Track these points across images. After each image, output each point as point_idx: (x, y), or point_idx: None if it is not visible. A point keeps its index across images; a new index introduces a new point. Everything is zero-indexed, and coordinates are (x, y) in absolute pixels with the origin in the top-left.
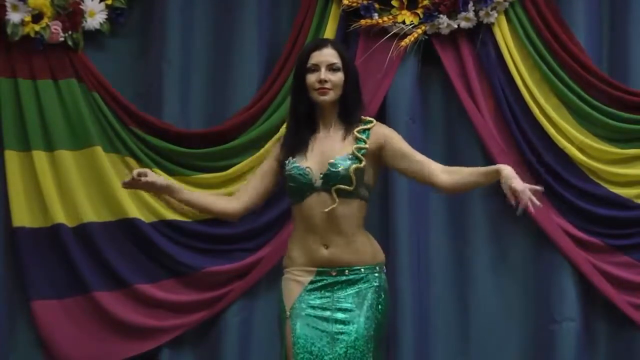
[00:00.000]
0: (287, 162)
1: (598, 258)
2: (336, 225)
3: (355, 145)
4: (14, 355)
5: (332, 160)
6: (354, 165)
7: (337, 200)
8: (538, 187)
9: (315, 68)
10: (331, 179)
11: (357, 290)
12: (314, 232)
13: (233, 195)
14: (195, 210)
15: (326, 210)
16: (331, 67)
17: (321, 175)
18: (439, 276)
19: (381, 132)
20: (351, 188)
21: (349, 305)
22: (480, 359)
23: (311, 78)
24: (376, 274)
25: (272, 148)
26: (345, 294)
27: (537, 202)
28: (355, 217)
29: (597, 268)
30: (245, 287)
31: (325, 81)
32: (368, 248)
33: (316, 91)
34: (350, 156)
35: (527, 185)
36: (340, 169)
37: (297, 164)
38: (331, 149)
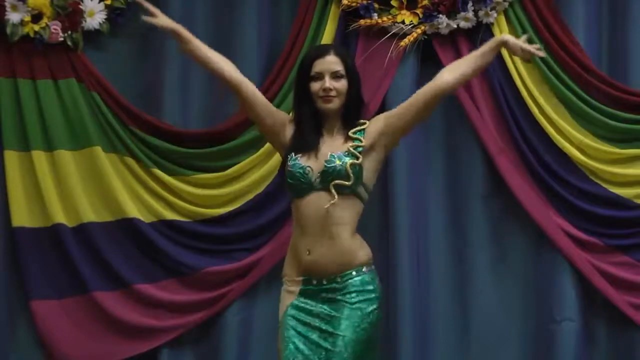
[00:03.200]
0: (289, 156)
1: (598, 258)
2: (330, 227)
3: (351, 144)
4: (14, 355)
5: (327, 157)
6: (350, 161)
7: (336, 195)
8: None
9: (319, 76)
10: (328, 175)
11: (338, 298)
12: (305, 234)
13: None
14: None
15: (326, 206)
16: (335, 75)
17: (318, 174)
18: (439, 276)
19: (374, 123)
20: (349, 183)
21: (333, 313)
22: (480, 359)
23: (315, 86)
24: (357, 278)
25: (281, 114)
26: (328, 304)
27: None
28: (351, 221)
29: (597, 268)
30: (245, 287)
31: (330, 89)
32: (347, 252)
33: (320, 99)
34: (346, 153)
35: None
36: (336, 163)
37: (299, 162)
38: (329, 150)
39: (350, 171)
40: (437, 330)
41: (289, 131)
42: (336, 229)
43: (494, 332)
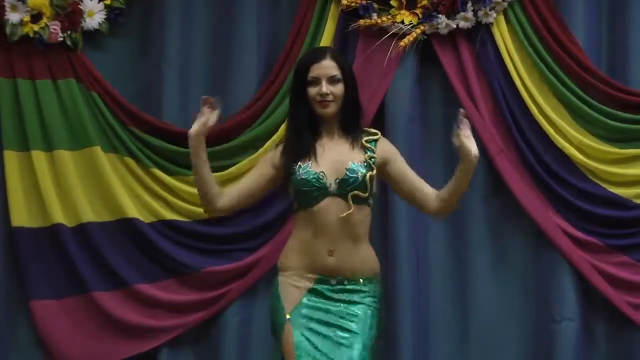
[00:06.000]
0: (296, 167)
1: (597, 258)
2: (350, 231)
3: (367, 155)
4: (14, 355)
5: (349, 166)
6: (370, 173)
7: (353, 206)
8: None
9: (316, 81)
10: (349, 185)
11: (356, 307)
12: (324, 237)
13: (225, 192)
14: (195, 183)
15: (342, 216)
16: (332, 80)
17: (337, 180)
18: (439, 276)
19: (387, 148)
20: (366, 195)
21: (350, 325)
22: (480, 359)
23: (312, 91)
24: (372, 287)
25: (268, 154)
26: (343, 303)
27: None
28: (365, 224)
29: (597, 268)
30: (245, 287)
31: (327, 94)
32: (369, 259)
33: (318, 104)
34: (365, 164)
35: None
36: (359, 174)
37: (310, 169)
38: (344, 156)
39: (369, 184)
40: (437, 330)
41: (278, 154)
42: (356, 231)
43: (493, 332)
